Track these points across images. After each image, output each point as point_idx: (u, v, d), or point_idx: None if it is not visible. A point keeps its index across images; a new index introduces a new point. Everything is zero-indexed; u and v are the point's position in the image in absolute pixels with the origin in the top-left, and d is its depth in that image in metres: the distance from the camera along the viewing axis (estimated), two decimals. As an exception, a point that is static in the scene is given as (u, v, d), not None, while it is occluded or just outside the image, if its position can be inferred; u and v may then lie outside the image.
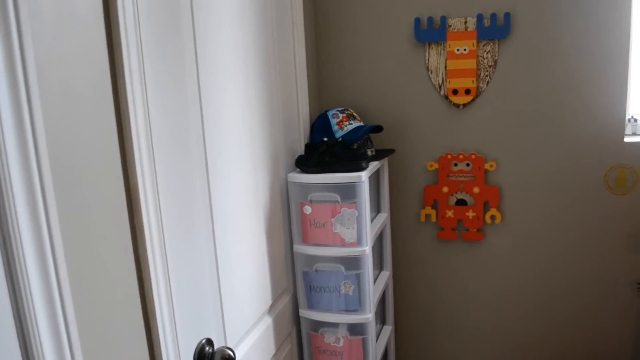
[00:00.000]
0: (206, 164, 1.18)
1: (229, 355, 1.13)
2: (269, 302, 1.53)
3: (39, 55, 0.71)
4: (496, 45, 1.85)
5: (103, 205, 0.85)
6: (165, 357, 1.00)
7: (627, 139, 1.82)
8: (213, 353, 1.15)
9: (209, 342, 1.17)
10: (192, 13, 1.12)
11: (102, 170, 0.85)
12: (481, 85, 1.89)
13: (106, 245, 0.86)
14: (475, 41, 1.85)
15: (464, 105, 1.92)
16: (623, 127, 1.81)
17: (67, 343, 0.76)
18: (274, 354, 1.56)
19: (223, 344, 1.26)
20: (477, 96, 1.90)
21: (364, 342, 1.70)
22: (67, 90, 0.77)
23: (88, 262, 0.81)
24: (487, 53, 1.86)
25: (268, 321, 1.52)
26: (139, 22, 0.93)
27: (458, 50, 1.87)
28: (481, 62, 1.87)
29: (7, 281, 0.68)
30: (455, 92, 1.90)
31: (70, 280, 0.76)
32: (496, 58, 1.86)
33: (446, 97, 1.92)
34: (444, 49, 1.89)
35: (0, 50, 0.65)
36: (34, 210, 0.70)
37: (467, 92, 1.89)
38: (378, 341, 1.93)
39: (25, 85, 0.68)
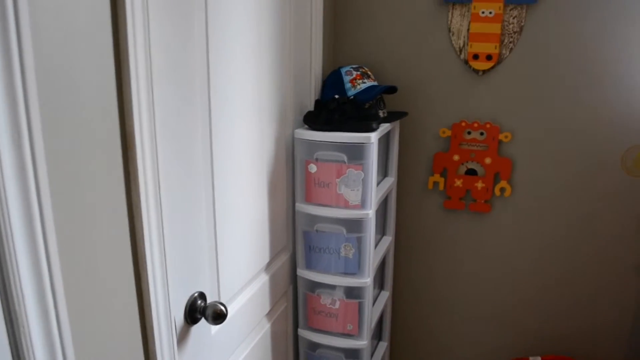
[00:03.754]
0: (209, 111, 1.12)
1: (221, 310, 1.11)
2: (267, 260, 1.50)
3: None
4: (524, 11, 1.75)
5: (95, 148, 0.80)
6: (155, 308, 0.97)
7: (649, 119, 1.75)
8: (205, 307, 1.12)
9: (202, 295, 1.14)
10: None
11: (96, 110, 0.80)
12: (504, 51, 1.80)
13: (97, 189, 0.82)
14: (502, 4, 1.75)
15: (484, 71, 1.84)
16: (646, 106, 1.73)
17: (50, 288, 0.72)
18: (269, 312, 1.54)
19: (216, 299, 1.24)
20: (498, 63, 1.82)
21: (360, 306, 1.68)
22: (62, 13, 0.71)
23: (77, 207, 0.77)
24: (514, 18, 1.77)
25: (264, 278, 1.49)
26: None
27: (483, 12, 1.78)
28: (506, 28, 1.78)
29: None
30: (475, 57, 1.82)
31: (55, 225, 0.72)
32: (522, 24, 1.76)
33: (466, 62, 1.84)
34: (468, 11, 1.80)
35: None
36: (18, 147, 0.65)
37: (489, 58, 1.81)
38: (374, 306, 1.91)
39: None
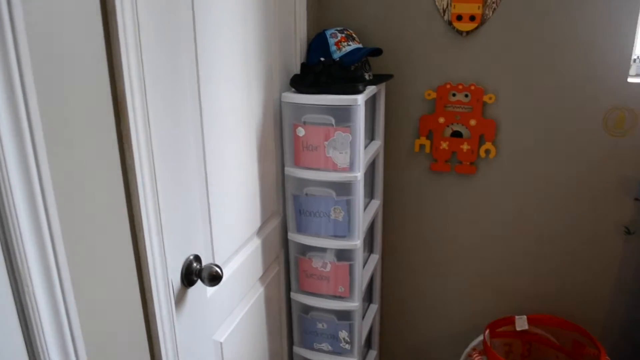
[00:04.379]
0: (197, 75, 1.11)
1: (217, 272, 1.12)
2: (258, 224, 1.51)
3: None
4: (506, -30, 1.75)
5: (88, 112, 0.80)
6: (152, 271, 0.98)
7: (630, 80, 1.77)
8: (201, 269, 1.13)
9: (197, 258, 1.15)
10: None
11: (88, 75, 0.79)
12: (487, 12, 1.80)
13: (91, 153, 0.81)
14: (484, -36, 1.75)
15: (467, 32, 1.84)
16: (628, 67, 1.75)
17: (53, 254, 0.73)
18: (261, 276, 1.56)
19: (211, 262, 1.25)
20: (481, 24, 1.82)
21: (351, 268, 1.71)
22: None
23: (73, 172, 0.77)
24: (496, -22, 1.76)
25: (257, 242, 1.50)
26: None
27: (466, -28, 1.77)
28: (489, -13, 1.78)
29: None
30: (459, 18, 1.82)
31: (54, 190, 0.72)
32: (505, -16, 1.77)
33: (449, 23, 1.84)
34: (451, -29, 1.79)
35: None
36: (15, 113, 0.65)
37: (472, 18, 1.81)
38: (365, 268, 1.95)
39: None
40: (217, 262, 1.27)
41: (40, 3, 0.69)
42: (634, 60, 1.83)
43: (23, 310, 0.71)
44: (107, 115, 0.85)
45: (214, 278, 1.12)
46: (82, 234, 0.80)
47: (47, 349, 0.74)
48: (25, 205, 0.68)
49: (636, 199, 1.87)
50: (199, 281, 1.15)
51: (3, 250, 0.67)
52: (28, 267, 0.69)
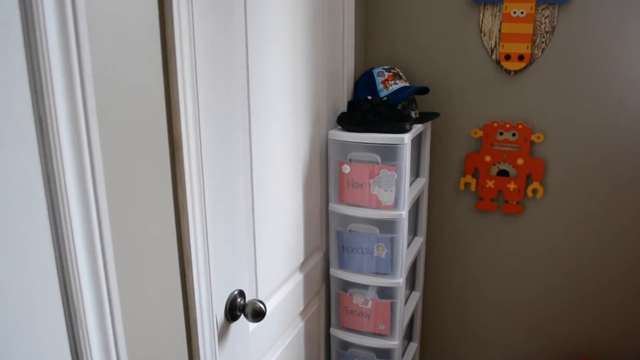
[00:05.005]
0: (249, 113, 1.15)
1: (260, 308, 1.13)
2: (301, 259, 1.52)
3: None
4: (556, 10, 1.74)
5: (145, 150, 0.83)
6: (198, 305, 1.00)
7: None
8: (245, 305, 1.15)
9: (241, 293, 1.16)
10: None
11: (147, 115, 0.83)
12: (536, 52, 1.80)
13: (146, 190, 0.85)
14: (534, 4, 1.75)
15: (516, 72, 1.83)
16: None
17: (106, 286, 0.75)
18: (302, 310, 1.56)
19: (254, 297, 1.26)
20: (530, 63, 1.81)
21: (392, 306, 1.69)
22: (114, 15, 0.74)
23: (129, 209, 0.80)
24: (546, 18, 1.76)
25: (299, 277, 1.51)
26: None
27: (515, 12, 1.77)
28: (538, 28, 1.77)
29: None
30: (507, 57, 1.82)
31: (111, 226, 0.75)
32: (554, 24, 1.76)
33: (498, 62, 1.84)
34: (499, 11, 1.79)
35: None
36: (78, 150, 0.68)
37: (521, 58, 1.80)
38: (406, 306, 1.92)
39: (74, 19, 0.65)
40: (260, 297, 1.28)
41: (104, 42, 0.73)
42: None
43: (75, 342, 0.73)
44: (162, 153, 0.88)
45: (258, 314, 1.13)
46: (134, 267, 0.83)
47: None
48: (83, 238, 0.71)
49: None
50: (242, 316, 1.16)
51: (60, 283, 0.70)
52: (83, 301, 0.72)
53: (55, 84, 0.64)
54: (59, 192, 0.67)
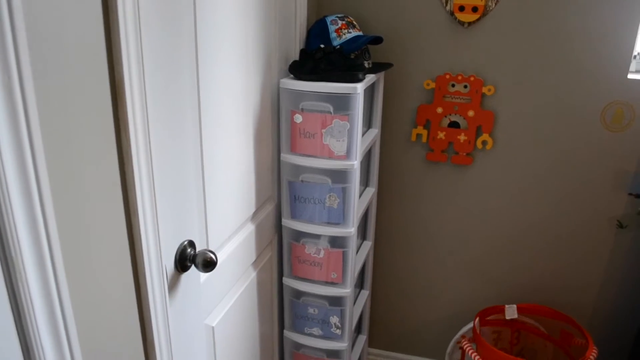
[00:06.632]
0: (196, 60, 1.10)
1: (211, 258, 1.12)
2: (253, 209, 1.51)
3: None
4: (510, -39, 1.74)
5: (86, 96, 0.79)
6: (146, 256, 0.98)
7: (630, 76, 1.76)
8: (195, 255, 1.13)
9: (191, 244, 1.15)
10: None
11: (87, 58, 0.78)
12: (490, 4, 1.79)
13: (87, 135, 0.81)
14: (489, -46, 1.73)
15: (469, 23, 1.83)
16: (628, 63, 1.75)
17: (46, 237, 0.72)
18: (255, 261, 1.57)
19: (205, 247, 1.25)
20: (483, 15, 1.81)
21: (344, 255, 1.72)
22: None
23: (69, 157, 0.77)
24: (500, -32, 1.75)
25: (251, 228, 1.51)
26: None
27: (470, -38, 1.75)
28: (492, -22, 1.77)
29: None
30: (461, 8, 1.81)
31: (49, 173, 0.72)
32: (509, -26, 1.75)
33: (451, 14, 1.83)
34: (455, -40, 1.77)
35: None
36: (10, 94, 0.64)
37: (474, 9, 1.80)
38: (357, 255, 1.96)
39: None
40: (211, 248, 1.27)
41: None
42: (634, 56, 1.83)
43: (15, 295, 0.71)
44: (104, 100, 0.84)
45: (208, 264, 1.12)
46: (76, 218, 0.80)
47: (38, 331, 0.74)
48: (19, 190, 0.68)
49: (630, 194, 1.88)
50: (193, 267, 1.15)
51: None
52: (21, 252, 0.69)
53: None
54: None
